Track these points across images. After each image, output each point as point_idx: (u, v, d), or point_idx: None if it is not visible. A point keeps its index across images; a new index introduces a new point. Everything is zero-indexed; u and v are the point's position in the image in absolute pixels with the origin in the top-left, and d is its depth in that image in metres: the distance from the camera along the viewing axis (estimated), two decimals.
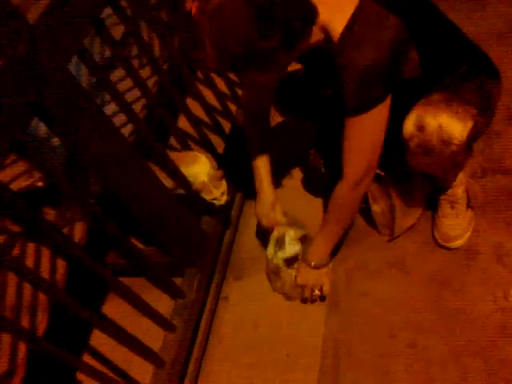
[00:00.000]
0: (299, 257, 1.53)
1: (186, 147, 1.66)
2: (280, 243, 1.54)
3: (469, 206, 1.53)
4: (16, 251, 1.70)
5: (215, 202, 1.62)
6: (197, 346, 1.47)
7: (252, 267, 1.66)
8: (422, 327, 1.38)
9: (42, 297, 1.54)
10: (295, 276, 1.52)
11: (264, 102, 1.59)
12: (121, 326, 1.19)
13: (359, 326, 1.45)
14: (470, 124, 1.19)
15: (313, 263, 1.47)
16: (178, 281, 1.46)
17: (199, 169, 1.59)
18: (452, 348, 1.32)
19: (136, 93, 1.50)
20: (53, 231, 1.00)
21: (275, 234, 1.55)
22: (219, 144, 1.86)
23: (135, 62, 2.14)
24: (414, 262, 1.52)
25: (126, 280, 1.21)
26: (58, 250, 1.11)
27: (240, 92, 2.05)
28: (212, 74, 1.85)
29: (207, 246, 1.58)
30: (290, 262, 1.53)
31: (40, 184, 1.74)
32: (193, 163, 1.59)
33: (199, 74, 1.91)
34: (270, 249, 1.55)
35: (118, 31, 1.81)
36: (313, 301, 1.54)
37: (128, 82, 1.46)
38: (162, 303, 1.43)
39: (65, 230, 1.68)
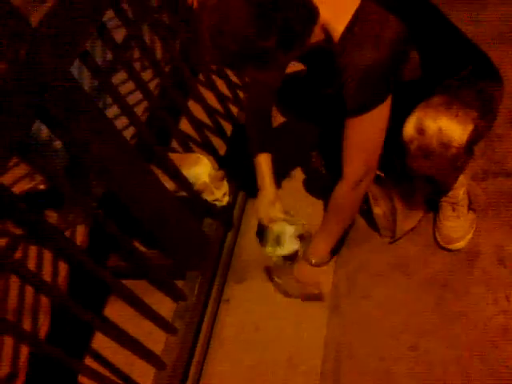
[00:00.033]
0: (300, 253, 1.53)
1: (187, 149, 1.67)
2: (279, 240, 1.54)
3: (470, 208, 1.53)
4: (18, 254, 1.71)
5: (217, 203, 1.62)
6: (198, 349, 1.47)
7: (254, 270, 1.66)
8: (424, 330, 1.38)
9: (43, 300, 1.55)
10: (294, 273, 1.52)
11: (266, 102, 1.60)
12: (122, 328, 1.19)
13: (360, 329, 1.45)
14: (470, 127, 1.20)
15: (313, 261, 1.47)
16: (179, 283, 1.46)
17: (201, 170, 1.59)
18: (454, 351, 1.31)
19: (138, 96, 1.50)
20: (55, 234, 1.00)
21: (274, 230, 1.54)
22: (221, 146, 1.86)
23: (137, 65, 2.15)
24: (415, 264, 1.52)
25: (127, 283, 1.21)
26: (60, 253, 1.11)
27: (241, 94, 2.06)
28: (213, 77, 1.86)
29: (209, 249, 1.58)
30: (289, 259, 1.53)
31: (42, 187, 1.75)
32: (194, 165, 1.59)
33: (201, 77, 1.91)
34: (269, 245, 1.55)
35: (119, 34, 1.82)
36: (312, 299, 1.53)
37: (130, 85, 1.46)
38: (164, 306, 1.43)
39: (67, 233, 1.69)
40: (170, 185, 1.41)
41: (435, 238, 1.54)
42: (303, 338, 1.47)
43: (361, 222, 1.67)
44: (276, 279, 1.57)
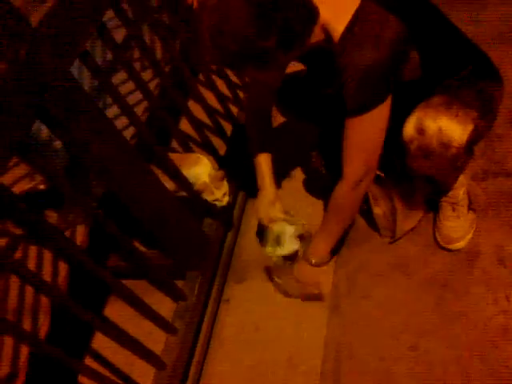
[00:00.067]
0: (300, 253, 1.53)
1: (187, 149, 1.67)
2: (279, 240, 1.54)
3: (470, 208, 1.53)
4: (18, 254, 1.71)
5: (217, 203, 1.62)
6: (198, 349, 1.47)
7: (254, 270, 1.66)
8: (424, 330, 1.38)
9: (43, 300, 1.55)
10: (294, 273, 1.52)
11: (266, 102, 1.60)
12: (122, 328, 1.19)
13: (360, 329, 1.45)
14: (470, 127, 1.20)
15: (313, 261, 1.47)
16: (179, 283, 1.46)
17: (201, 170, 1.59)
18: (454, 351, 1.31)
19: (138, 96, 1.50)
20: (55, 234, 1.00)
21: (274, 230, 1.54)
22: (221, 146, 1.86)
23: (137, 65, 2.15)
24: (415, 264, 1.52)
25: (127, 283, 1.21)
26: (60, 253, 1.11)
27: (241, 94, 2.06)
28: (213, 77, 1.86)
29: (209, 249, 1.58)
30: (289, 259, 1.53)
31: (42, 187, 1.75)
32: (194, 165, 1.59)
33: (201, 77, 1.92)
34: (269, 245, 1.55)
35: (119, 34, 1.82)
36: (311, 299, 1.53)
37: (130, 85, 1.46)
38: (164, 306, 1.43)
39: (66, 233, 1.69)
40: (169, 185, 1.41)
41: (435, 238, 1.54)
42: (303, 337, 1.47)
43: (361, 222, 1.67)
44: (276, 279, 1.57)
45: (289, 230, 1.53)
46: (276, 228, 1.54)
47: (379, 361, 1.36)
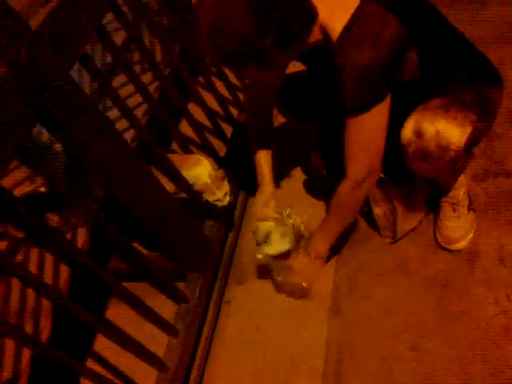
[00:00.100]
0: (292, 253, 1.53)
1: (187, 151, 1.67)
2: (266, 239, 1.53)
3: (470, 208, 1.53)
4: (19, 257, 1.71)
5: (218, 203, 1.62)
6: (200, 351, 1.47)
7: (254, 270, 1.66)
8: (425, 330, 1.38)
9: (45, 302, 1.54)
10: (292, 264, 1.53)
11: (267, 102, 1.60)
12: (124, 331, 1.19)
13: (361, 329, 1.45)
14: (468, 130, 1.19)
15: (313, 254, 1.49)
16: (180, 285, 1.46)
17: (201, 171, 1.59)
18: (455, 350, 1.32)
19: (138, 98, 1.50)
20: (56, 237, 1.00)
21: (262, 228, 1.54)
22: (221, 148, 1.86)
23: (137, 68, 2.15)
24: (416, 264, 1.52)
25: (129, 285, 1.21)
26: (62, 256, 1.11)
27: (241, 96, 2.06)
28: (213, 79, 1.86)
29: (210, 250, 1.58)
30: (279, 258, 1.53)
31: (43, 189, 1.75)
32: (194, 166, 1.60)
33: (201, 79, 1.92)
34: (256, 244, 1.55)
35: (119, 37, 1.82)
36: (298, 293, 1.55)
37: (130, 88, 1.46)
38: (166, 308, 1.43)
39: (68, 236, 1.69)
40: (170, 186, 1.41)
41: (436, 239, 1.54)
42: (304, 338, 1.47)
43: (361, 223, 1.67)
44: (275, 276, 1.56)
45: (277, 230, 1.53)
46: (264, 227, 1.54)
47: (380, 361, 1.36)
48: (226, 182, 1.63)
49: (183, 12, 1.63)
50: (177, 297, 1.43)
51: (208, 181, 1.58)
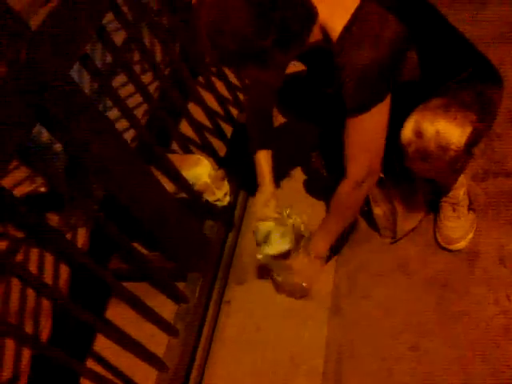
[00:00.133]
0: (293, 252, 1.53)
1: (188, 151, 1.67)
2: (266, 239, 1.53)
3: (470, 208, 1.53)
4: (19, 257, 1.71)
5: (218, 203, 1.62)
6: (200, 351, 1.47)
7: (254, 270, 1.66)
8: (425, 330, 1.38)
9: (45, 302, 1.54)
10: (292, 264, 1.53)
11: (267, 102, 1.60)
12: (124, 331, 1.19)
13: (361, 329, 1.45)
14: (468, 130, 1.19)
15: (313, 253, 1.49)
16: (180, 285, 1.46)
17: (201, 171, 1.59)
18: (455, 350, 1.32)
19: (138, 98, 1.50)
20: (56, 237, 1.00)
21: (262, 228, 1.55)
22: (221, 148, 1.86)
23: (137, 68, 2.15)
24: (415, 264, 1.52)
25: (129, 285, 1.21)
26: (62, 256, 1.11)
27: (241, 96, 2.06)
28: (213, 79, 1.86)
29: (210, 251, 1.58)
30: (277, 258, 1.53)
31: (43, 189, 1.75)
32: (194, 166, 1.60)
33: (201, 79, 1.92)
34: (257, 243, 1.55)
35: (119, 37, 1.82)
36: (297, 293, 1.55)
37: (130, 88, 1.46)
38: (166, 308, 1.43)
39: (68, 236, 1.69)
40: (170, 186, 1.41)
41: (436, 239, 1.54)
42: (304, 337, 1.47)
43: (361, 223, 1.67)
44: (275, 276, 1.56)
45: (277, 230, 1.53)
46: (264, 227, 1.54)
47: (381, 361, 1.36)
48: (225, 182, 1.63)
49: (183, 12, 1.63)
50: (177, 297, 1.43)
51: (208, 181, 1.58)
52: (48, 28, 0.94)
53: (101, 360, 1.48)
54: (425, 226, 1.59)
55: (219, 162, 1.80)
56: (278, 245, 1.52)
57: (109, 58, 2.22)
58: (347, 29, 1.13)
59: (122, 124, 1.42)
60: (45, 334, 1.45)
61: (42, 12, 0.96)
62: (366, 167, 1.27)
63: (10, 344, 1.45)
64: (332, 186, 1.38)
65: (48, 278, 1.62)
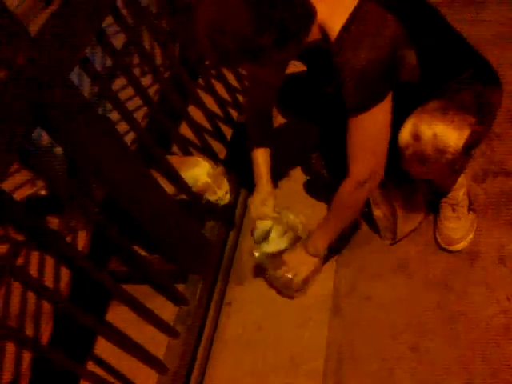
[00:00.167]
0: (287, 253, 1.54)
1: (188, 154, 1.67)
2: (264, 237, 1.54)
3: (470, 208, 1.53)
4: (20, 260, 1.71)
5: (219, 201, 1.63)
6: (200, 352, 1.47)
7: (255, 271, 1.66)
8: (425, 330, 1.38)
9: (46, 305, 1.55)
10: (285, 257, 1.53)
11: (267, 102, 1.61)
12: (125, 333, 1.19)
13: (362, 329, 1.45)
14: (466, 133, 1.19)
15: (310, 250, 1.49)
16: (180, 287, 1.46)
17: (200, 171, 1.60)
18: (455, 350, 1.32)
19: (138, 101, 1.51)
20: (56, 240, 1.01)
21: (260, 227, 1.55)
22: (221, 150, 1.87)
23: (137, 71, 2.15)
24: (416, 265, 1.52)
25: (129, 287, 1.21)
26: (62, 259, 1.11)
27: (241, 98, 2.07)
28: (213, 81, 1.86)
29: (210, 252, 1.58)
30: (274, 257, 1.53)
31: (43, 193, 1.75)
32: (193, 167, 1.60)
33: (200, 81, 1.92)
34: (255, 242, 1.56)
35: (119, 40, 1.83)
36: (283, 286, 1.55)
37: (130, 91, 1.47)
38: (166, 310, 1.43)
39: (68, 239, 1.69)
40: (169, 188, 1.42)
41: (436, 239, 1.54)
42: (305, 338, 1.47)
43: (362, 224, 1.67)
44: (271, 272, 1.56)
45: (276, 229, 1.54)
46: (262, 225, 1.55)
47: (381, 361, 1.37)
48: (225, 181, 1.63)
49: (182, 14, 1.64)
50: (177, 299, 1.43)
51: (209, 180, 1.58)
52: (48, 31, 0.95)
53: (101, 363, 1.48)
54: (425, 227, 1.59)
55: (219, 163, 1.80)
56: (276, 243, 1.52)
57: (109, 61, 2.23)
58: (346, 28, 1.13)
59: (122, 127, 1.42)
60: (45, 336, 1.45)
61: (42, 16, 0.96)
62: (368, 167, 1.27)
63: (10, 347, 1.45)
64: (332, 186, 1.38)
65: (49, 280, 1.63)
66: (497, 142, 1.71)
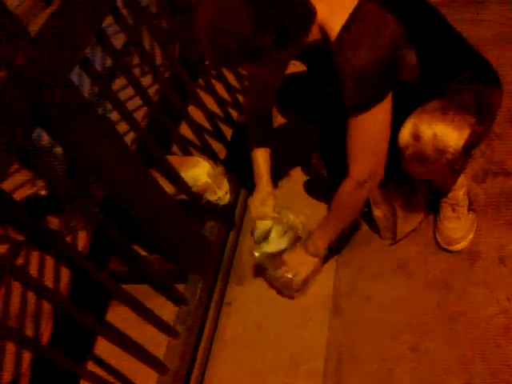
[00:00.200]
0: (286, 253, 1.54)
1: (188, 154, 1.67)
2: (264, 237, 1.54)
3: (470, 208, 1.53)
4: (20, 260, 1.71)
5: (219, 201, 1.63)
6: (200, 352, 1.47)
7: (255, 271, 1.66)
8: (425, 330, 1.38)
9: (46, 305, 1.55)
10: (285, 257, 1.52)
11: (267, 102, 1.61)
12: (125, 333, 1.19)
13: (362, 329, 1.45)
14: (466, 133, 1.19)
15: (310, 250, 1.49)
16: (180, 287, 1.46)
17: (199, 171, 1.60)
18: (455, 350, 1.32)
19: (138, 101, 1.51)
20: (57, 240, 1.01)
21: (260, 227, 1.55)
22: (221, 150, 1.87)
23: (137, 71, 2.15)
24: (416, 265, 1.52)
25: (129, 287, 1.22)
26: (62, 259, 1.11)
27: (241, 98, 2.07)
28: (213, 81, 1.86)
29: (210, 252, 1.58)
30: (274, 257, 1.53)
31: (43, 193, 1.75)
32: (193, 167, 1.60)
33: (200, 81, 1.92)
34: (255, 242, 1.56)
35: (119, 40, 1.83)
36: (283, 286, 1.54)
37: (130, 91, 1.47)
38: (166, 310, 1.43)
39: (68, 239, 1.69)
40: (169, 188, 1.42)
41: (436, 239, 1.54)
42: (305, 338, 1.47)
43: (362, 224, 1.67)
44: (271, 272, 1.56)
45: (275, 229, 1.54)
46: (262, 225, 1.55)
47: (381, 361, 1.37)
48: (225, 181, 1.63)
49: (182, 13, 1.64)
50: (177, 299, 1.43)
51: (209, 180, 1.58)
52: (48, 31, 0.95)
53: (101, 362, 1.48)
54: (425, 227, 1.59)
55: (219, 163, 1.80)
56: (277, 243, 1.52)
57: (109, 61, 2.23)
58: (345, 28, 1.13)
59: (122, 127, 1.42)
60: (45, 336, 1.45)
61: (42, 16, 0.96)
62: (368, 167, 1.27)
63: (10, 347, 1.45)
64: (332, 186, 1.38)
65: (49, 280, 1.63)
66: (497, 142, 1.71)
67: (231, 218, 1.75)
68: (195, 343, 1.45)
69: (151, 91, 1.93)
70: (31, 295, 1.59)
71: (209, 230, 1.63)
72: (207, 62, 1.85)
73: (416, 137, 1.21)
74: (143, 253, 1.46)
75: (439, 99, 1.24)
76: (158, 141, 1.49)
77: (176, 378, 1.33)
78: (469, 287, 1.42)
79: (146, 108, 1.77)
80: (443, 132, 1.18)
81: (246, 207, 1.83)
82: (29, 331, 1.51)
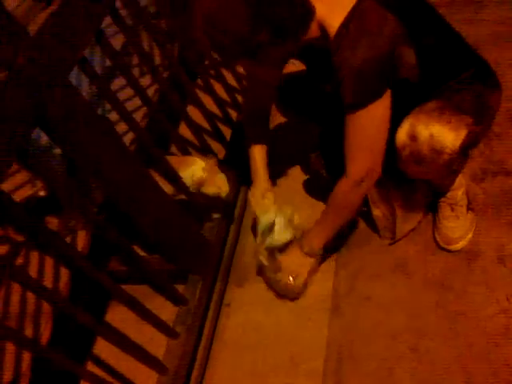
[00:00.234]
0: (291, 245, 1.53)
1: (187, 154, 1.67)
2: (269, 230, 1.53)
3: (469, 207, 1.53)
4: (20, 260, 1.71)
5: (220, 193, 1.63)
6: (200, 352, 1.47)
7: (254, 271, 1.66)
8: (425, 330, 1.38)
9: (45, 305, 1.55)
10: (282, 259, 1.52)
11: (265, 101, 1.61)
12: (124, 334, 1.19)
13: (361, 329, 1.45)
14: (463, 133, 1.19)
15: (305, 249, 1.48)
16: (180, 288, 1.46)
17: (195, 168, 1.60)
18: (455, 350, 1.32)
19: (137, 101, 1.51)
20: (56, 240, 1.01)
21: (264, 220, 1.54)
22: (220, 150, 1.87)
23: (136, 71, 2.16)
24: (415, 264, 1.52)
25: (128, 288, 1.21)
26: (61, 259, 1.11)
27: (240, 98, 2.07)
28: (212, 81, 1.86)
29: (209, 253, 1.58)
30: (279, 250, 1.53)
31: (42, 193, 1.75)
32: (190, 166, 1.60)
33: (199, 81, 1.92)
34: (259, 236, 1.55)
35: (118, 40, 1.83)
36: (283, 290, 1.54)
37: (129, 91, 1.47)
38: (165, 310, 1.43)
39: (67, 239, 1.69)
40: (168, 188, 1.42)
41: (435, 239, 1.54)
42: (305, 338, 1.47)
43: (361, 224, 1.67)
44: (267, 274, 1.56)
45: (279, 221, 1.53)
46: (266, 218, 1.54)
47: (381, 361, 1.37)
48: (220, 172, 1.63)
49: (181, 13, 1.64)
50: (176, 300, 1.43)
51: (204, 174, 1.58)
52: (48, 31, 0.94)
53: (101, 363, 1.48)
54: (424, 227, 1.59)
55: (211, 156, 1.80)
56: (282, 235, 1.51)
57: (108, 62, 2.23)
58: (344, 26, 1.14)
59: (121, 127, 1.42)
60: (45, 336, 1.45)
61: (42, 16, 0.96)
62: (365, 166, 1.27)
63: (10, 347, 1.45)
64: (331, 186, 1.38)
65: (48, 281, 1.63)
66: (496, 142, 1.71)
67: (231, 214, 1.74)
68: (195, 343, 1.45)
69: (150, 91, 1.93)
70: (31, 295, 1.59)
71: (208, 229, 1.63)
72: (206, 62, 1.85)
73: (413, 137, 1.21)
74: (142, 253, 1.46)
75: (438, 99, 1.24)
76: (157, 141, 1.49)
77: (176, 379, 1.33)
78: (468, 287, 1.42)
79: (145, 108, 1.77)
80: (440, 132, 1.18)
81: (245, 207, 1.83)
82: (28, 331, 1.51)
